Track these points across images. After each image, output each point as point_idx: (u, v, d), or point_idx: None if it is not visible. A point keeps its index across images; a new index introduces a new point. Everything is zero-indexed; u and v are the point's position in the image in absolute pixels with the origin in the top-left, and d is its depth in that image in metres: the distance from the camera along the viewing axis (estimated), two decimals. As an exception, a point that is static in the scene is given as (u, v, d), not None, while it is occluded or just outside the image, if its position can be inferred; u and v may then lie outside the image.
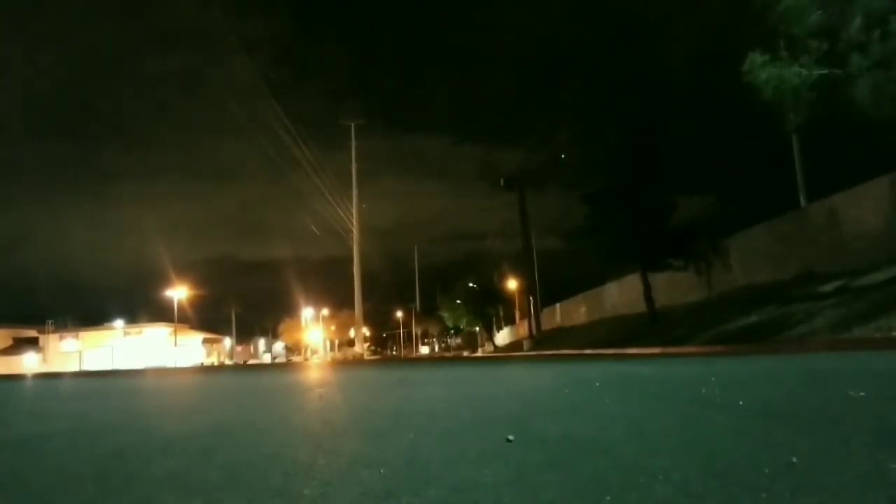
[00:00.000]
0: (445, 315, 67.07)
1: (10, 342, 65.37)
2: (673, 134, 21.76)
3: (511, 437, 2.34)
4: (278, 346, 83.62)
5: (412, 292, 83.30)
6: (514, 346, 46.59)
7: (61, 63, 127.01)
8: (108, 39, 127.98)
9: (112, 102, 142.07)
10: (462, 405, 3.85)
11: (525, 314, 49.71)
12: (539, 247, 48.27)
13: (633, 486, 1.53)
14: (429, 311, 77.16)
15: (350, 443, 2.50)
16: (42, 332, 65.34)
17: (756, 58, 11.92)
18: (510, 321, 62.17)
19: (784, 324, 13.12)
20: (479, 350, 63.25)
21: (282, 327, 79.54)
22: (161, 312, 60.55)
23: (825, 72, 11.44)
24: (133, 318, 65.79)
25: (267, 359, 71.79)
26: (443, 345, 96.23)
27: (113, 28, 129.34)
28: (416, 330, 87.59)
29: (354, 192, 51.19)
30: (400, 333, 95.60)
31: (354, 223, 50.72)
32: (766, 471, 1.63)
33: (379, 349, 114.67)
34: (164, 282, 55.31)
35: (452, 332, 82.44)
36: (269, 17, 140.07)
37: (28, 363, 60.89)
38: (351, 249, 51.30)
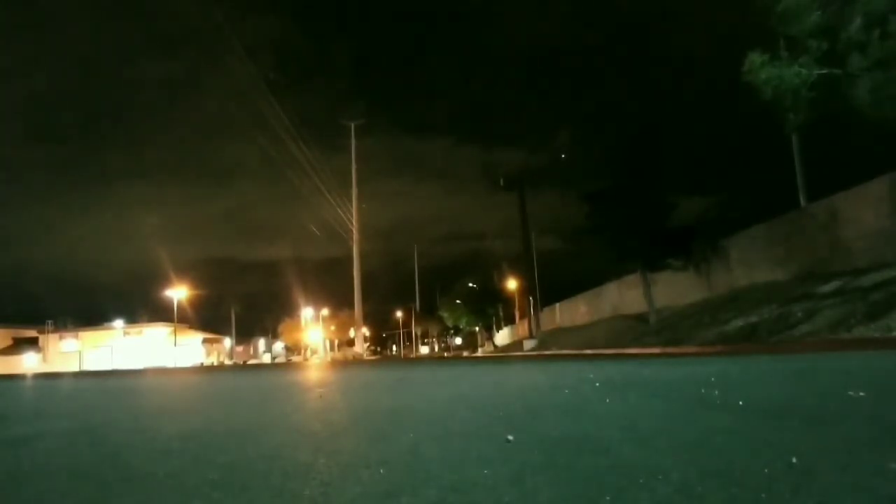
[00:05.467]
0: (445, 315, 67.16)
1: (9, 342, 65.35)
2: (673, 134, 21.80)
3: (511, 437, 2.34)
4: (278, 346, 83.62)
5: (412, 292, 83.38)
6: (515, 346, 46.60)
7: (62, 64, 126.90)
8: (108, 41, 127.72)
9: (113, 103, 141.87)
10: (462, 405, 3.85)
11: (525, 314, 49.73)
12: (539, 247, 48.31)
13: (632, 486, 1.53)
14: (429, 311, 77.24)
15: (350, 443, 2.50)
16: (42, 332, 65.33)
17: (756, 58, 11.91)
18: (510, 321, 62.22)
19: (784, 324, 13.13)
20: (479, 350, 63.27)
21: (282, 327, 79.55)
22: (161, 312, 60.56)
23: (825, 72, 11.43)
24: (133, 318, 65.82)
25: (267, 359, 71.79)
26: (443, 345, 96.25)
27: (114, 29, 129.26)
28: (416, 330, 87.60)
29: (354, 191, 51.09)
30: (400, 333, 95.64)
31: (354, 223, 50.63)
32: (766, 471, 1.63)
33: (379, 349, 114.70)
34: (164, 282, 55.25)
35: (452, 332, 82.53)
36: (270, 18, 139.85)
37: (28, 363, 60.89)
38: (351, 249, 51.19)
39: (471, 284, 62.47)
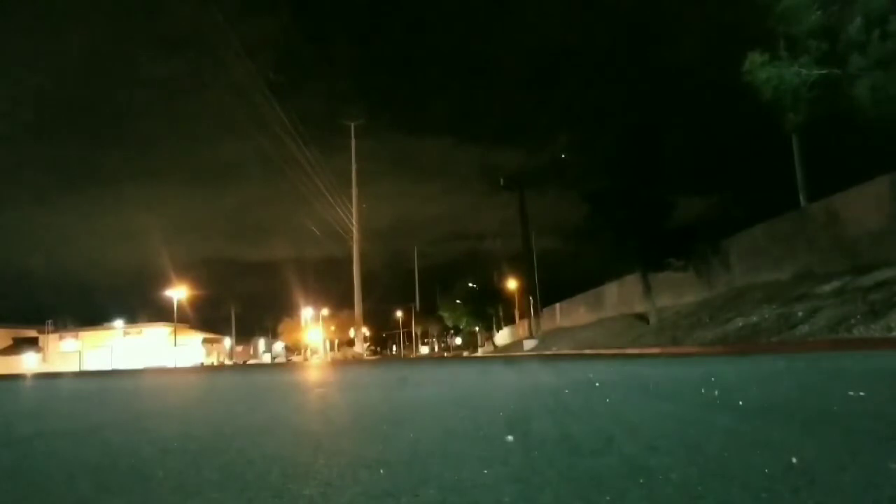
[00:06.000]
0: (445, 315, 67.26)
1: (9, 342, 65.37)
2: (673, 134, 21.80)
3: (511, 437, 2.34)
4: (278, 346, 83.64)
5: (412, 292, 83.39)
6: (515, 346, 46.62)
7: (63, 65, 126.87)
8: (109, 42, 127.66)
9: (113, 104, 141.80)
10: (462, 405, 3.85)
11: (525, 314, 49.76)
12: (539, 247, 48.35)
13: (633, 486, 1.53)
14: (429, 311, 77.32)
15: (350, 443, 2.50)
16: (42, 332, 65.34)
17: (756, 58, 11.93)
18: (510, 321, 62.23)
19: (784, 324, 13.13)
20: (480, 350, 63.31)
21: (282, 327, 79.59)
22: (161, 312, 60.53)
23: (825, 72, 11.44)
24: (133, 318, 65.80)
25: (267, 359, 71.79)
26: (442, 345, 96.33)
27: (114, 30, 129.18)
28: (415, 330, 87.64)
29: (354, 191, 51.09)
30: (400, 333, 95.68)
31: (354, 223, 50.65)
32: (766, 471, 1.63)
33: (379, 349, 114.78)
34: (164, 282, 55.21)
35: (452, 332, 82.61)
36: (271, 18, 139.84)
37: (28, 363, 60.89)
38: (351, 249, 51.21)
39: (471, 284, 62.57)
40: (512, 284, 52.51)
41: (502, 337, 66.07)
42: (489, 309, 61.17)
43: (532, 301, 45.43)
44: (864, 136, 13.31)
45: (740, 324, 15.39)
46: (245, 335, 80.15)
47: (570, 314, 43.24)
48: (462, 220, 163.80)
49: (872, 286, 12.50)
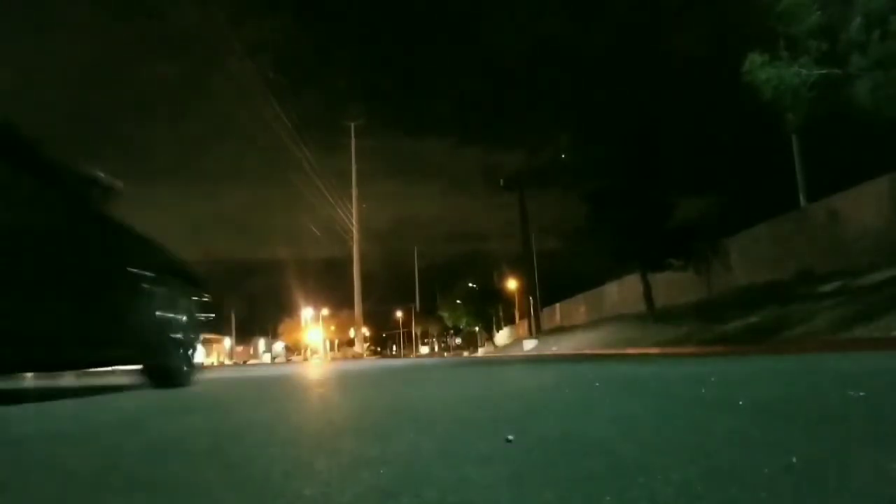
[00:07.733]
0: (445, 315, 67.40)
1: (9, 342, 65.28)
2: (673, 134, 21.85)
3: (511, 437, 2.34)
4: (278, 346, 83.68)
5: (412, 292, 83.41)
6: (514, 346, 46.61)
7: (63, 66, 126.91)
8: (109, 43, 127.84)
9: (113, 104, 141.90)
10: (462, 405, 3.85)
11: (525, 314, 49.78)
12: (539, 247, 48.44)
13: (633, 486, 1.53)
14: (429, 311, 77.44)
15: (350, 443, 2.49)
16: (42, 332, 65.26)
17: (755, 58, 11.95)
18: (510, 321, 62.25)
19: (784, 324, 13.13)
20: (480, 350, 63.35)
21: (282, 327, 79.72)
22: (161, 312, 60.29)
23: (825, 72, 11.46)
24: (133, 318, 65.63)
25: (267, 359, 71.82)
26: (442, 345, 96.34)
27: (114, 32, 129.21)
28: (415, 330, 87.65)
29: (354, 191, 51.07)
30: (400, 333, 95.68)
31: (354, 223, 50.61)
32: (766, 471, 1.63)
33: (379, 349, 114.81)
34: (164, 282, 54.90)
35: (452, 332, 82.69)
36: (271, 19, 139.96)
37: (28, 363, 60.77)
38: (351, 249, 51.18)
39: (471, 284, 62.69)
40: (512, 284, 52.59)
41: (502, 337, 66.08)
42: (489, 309, 61.32)
43: (532, 301, 45.47)
44: (864, 136, 13.33)
45: (740, 324, 15.39)
46: (245, 335, 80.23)
47: (570, 314, 43.25)
48: (462, 220, 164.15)
49: (872, 286, 12.50)
